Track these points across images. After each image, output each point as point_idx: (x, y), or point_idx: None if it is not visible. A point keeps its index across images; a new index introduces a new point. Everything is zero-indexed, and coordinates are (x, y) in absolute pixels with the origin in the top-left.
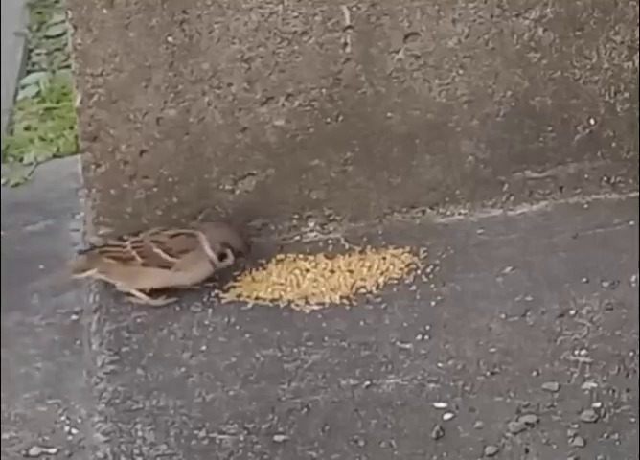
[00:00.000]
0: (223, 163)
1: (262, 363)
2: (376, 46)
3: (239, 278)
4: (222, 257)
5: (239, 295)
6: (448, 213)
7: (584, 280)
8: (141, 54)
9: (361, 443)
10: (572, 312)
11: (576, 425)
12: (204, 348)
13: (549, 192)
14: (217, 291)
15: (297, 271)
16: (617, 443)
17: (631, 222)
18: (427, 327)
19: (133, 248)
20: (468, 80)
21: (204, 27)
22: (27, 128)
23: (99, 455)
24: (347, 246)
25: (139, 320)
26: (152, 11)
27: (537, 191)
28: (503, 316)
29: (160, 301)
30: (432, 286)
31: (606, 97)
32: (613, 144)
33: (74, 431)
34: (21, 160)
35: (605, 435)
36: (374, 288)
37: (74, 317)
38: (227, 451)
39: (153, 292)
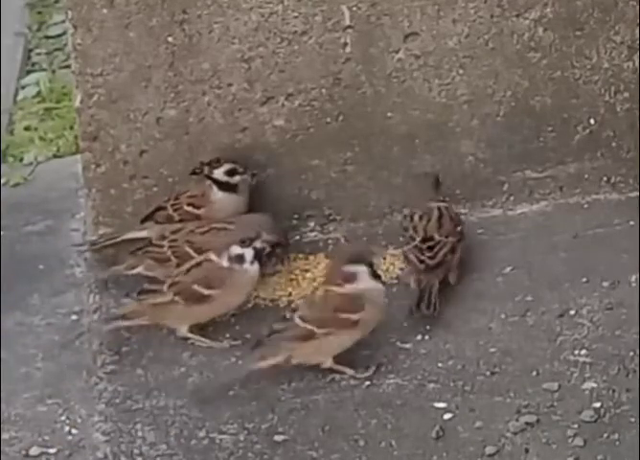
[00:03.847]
0: None
1: None
2: (376, 46)
3: None
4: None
5: None
6: None
7: (584, 280)
8: (141, 54)
9: (361, 443)
10: (572, 312)
11: (576, 425)
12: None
13: (549, 192)
14: None
15: (297, 271)
16: (617, 443)
17: (631, 222)
18: (427, 327)
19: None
20: (468, 80)
21: (204, 27)
22: (27, 128)
23: (99, 455)
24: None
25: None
26: (152, 11)
27: (537, 191)
28: (503, 316)
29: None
30: None
31: (606, 97)
32: (613, 144)
33: (74, 431)
34: (21, 160)
35: (606, 435)
36: None
37: (74, 317)
38: (227, 451)
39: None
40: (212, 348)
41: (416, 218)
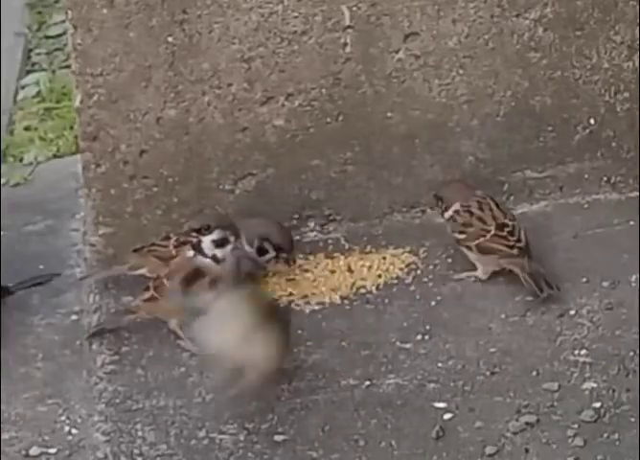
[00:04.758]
0: (223, 163)
1: None
2: (376, 46)
3: None
4: (262, 252)
5: None
6: None
7: (584, 280)
8: (141, 54)
9: (361, 443)
10: (572, 312)
11: (576, 425)
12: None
13: (549, 192)
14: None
15: (297, 271)
16: (617, 443)
17: (631, 222)
18: (427, 327)
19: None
20: (468, 80)
21: (204, 27)
22: (27, 128)
23: (99, 455)
24: (347, 246)
25: (139, 320)
26: (152, 11)
27: (537, 191)
28: (503, 316)
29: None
30: (432, 285)
31: (606, 97)
32: (613, 144)
33: (74, 431)
34: (21, 160)
35: (605, 435)
36: (374, 288)
37: (74, 317)
38: (227, 451)
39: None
40: (189, 350)
41: (474, 209)
